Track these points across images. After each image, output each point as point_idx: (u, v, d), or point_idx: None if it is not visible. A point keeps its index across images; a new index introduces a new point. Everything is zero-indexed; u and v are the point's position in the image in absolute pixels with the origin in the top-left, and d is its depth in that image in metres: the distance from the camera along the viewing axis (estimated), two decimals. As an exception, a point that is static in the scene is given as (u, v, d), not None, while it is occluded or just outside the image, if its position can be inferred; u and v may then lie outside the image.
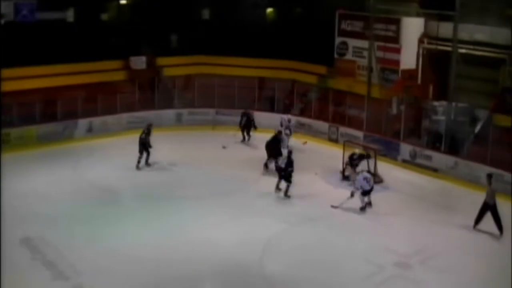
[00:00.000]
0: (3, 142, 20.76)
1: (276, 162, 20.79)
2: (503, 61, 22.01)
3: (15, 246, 14.44)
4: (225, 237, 15.49)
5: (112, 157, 22.21)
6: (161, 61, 28.75)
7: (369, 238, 15.83)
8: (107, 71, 26.88)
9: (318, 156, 22.64)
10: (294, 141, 23.09)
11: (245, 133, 24.34)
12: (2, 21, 23.78)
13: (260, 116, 24.80)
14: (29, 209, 16.90)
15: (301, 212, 17.50)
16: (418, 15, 25.12)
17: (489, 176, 16.89)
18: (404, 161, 22.21)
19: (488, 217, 16.34)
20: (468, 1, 21.96)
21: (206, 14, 31.47)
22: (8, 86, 20.24)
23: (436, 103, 22.73)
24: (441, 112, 22.19)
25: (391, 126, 23.33)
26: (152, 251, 14.63)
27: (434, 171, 21.21)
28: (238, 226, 16.28)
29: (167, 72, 28.39)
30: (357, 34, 26.19)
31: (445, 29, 23.01)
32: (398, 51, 24.61)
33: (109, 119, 25.01)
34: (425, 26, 24.74)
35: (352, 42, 26.45)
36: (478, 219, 16.44)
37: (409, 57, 24.64)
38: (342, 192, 18.67)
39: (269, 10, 33.06)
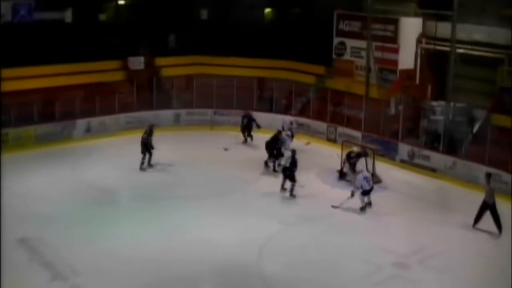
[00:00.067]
0: (1, 142, 20.76)
1: (275, 162, 20.89)
2: (501, 61, 22.04)
3: (13, 247, 14.42)
4: (225, 237, 15.49)
5: (110, 157, 22.21)
6: (159, 61, 28.74)
7: (367, 238, 15.84)
8: (105, 71, 26.87)
9: (317, 156, 22.63)
10: (295, 142, 22.99)
11: (246, 134, 24.25)
12: (1, 21, 23.78)
13: (258, 117, 24.75)
14: (27, 209, 16.89)
15: (300, 212, 17.51)
16: (416, 15, 25.15)
17: (488, 175, 16.94)
18: (402, 161, 22.23)
19: (487, 216, 16.36)
20: (466, 1, 21.98)
21: (204, 14, 31.47)
22: (6, 86, 20.19)
23: (434, 103, 22.76)
24: (439, 112, 22.22)
25: (389, 126, 23.35)
26: (151, 251, 14.63)
27: (432, 171, 21.23)
28: (238, 226, 16.28)
29: (165, 72, 28.39)
30: (355, 34, 26.19)
31: (443, 29, 23.03)
32: (396, 51, 24.62)
33: (107, 119, 25.01)
34: (423, 26, 24.76)
35: (350, 42, 26.45)
36: (477, 218, 16.47)
37: (407, 57, 24.66)
38: (341, 192, 18.71)
39: (267, 10, 33.06)
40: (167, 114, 26.42)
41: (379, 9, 24.64)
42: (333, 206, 17.60)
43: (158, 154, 20.99)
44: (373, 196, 17.77)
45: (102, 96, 24.75)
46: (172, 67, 28.85)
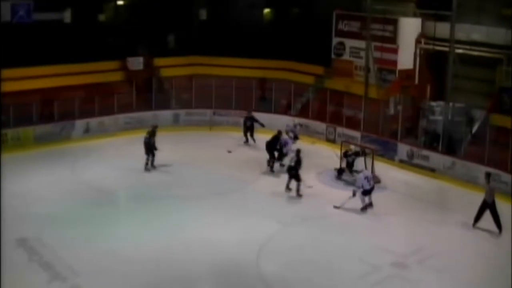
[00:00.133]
0: (0, 143, 20.77)
1: (273, 162, 20.89)
2: (500, 61, 22.07)
3: (13, 247, 14.42)
4: (224, 237, 15.50)
5: (109, 158, 22.21)
6: (158, 61, 28.74)
7: (366, 238, 15.84)
8: (104, 71, 26.86)
9: (316, 156, 22.62)
10: (300, 143, 22.84)
11: (250, 136, 24.14)
12: (0, 22, 23.76)
13: (259, 117, 24.64)
14: (26, 209, 16.88)
15: (299, 212, 17.52)
16: (415, 15, 25.18)
17: (488, 175, 16.99)
18: (401, 161, 22.23)
19: (487, 215, 16.38)
20: (465, 1, 22.02)
21: (203, 14, 31.44)
22: (5, 87, 20.18)
23: (433, 103, 22.77)
24: (438, 112, 22.23)
25: (389, 126, 23.35)
26: (151, 251, 14.63)
27: (431, 171, 21.24)
28: (237, 226, 16.29)
29: (164, 72, 28.38)
30: (354, 35, 26.21)
31: (442, 29, 23.06)
32: (395, 51, 24.64)
33: (106, 119, 25.01)
34: (422, 26, 24.78)
35: (349, 43, 26.47)
36: (477, 218, 16.50)
37: (406, 57, 24.67)
38: (340, 192, 18.76)
39: (266, 10, 33.06)
40: (166, 114, 26.42)
41: (378, 9, 24.68)
42: (335, 207, 17.60)
43: (158, 154, 20.97)
44: (372, 196, 17.76)
45: (101, 97, 24.76)
46: (171, 67, 28.85)
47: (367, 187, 17.39)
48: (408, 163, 21.95)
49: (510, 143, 19.20)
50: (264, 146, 21.47)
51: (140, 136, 23.39)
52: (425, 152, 21.65)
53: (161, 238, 15.44)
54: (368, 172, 18.22)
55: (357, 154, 20.40)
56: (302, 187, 18.63)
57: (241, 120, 25.72)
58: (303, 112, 26.31)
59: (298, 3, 31.47)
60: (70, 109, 24.03)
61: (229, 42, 28.76)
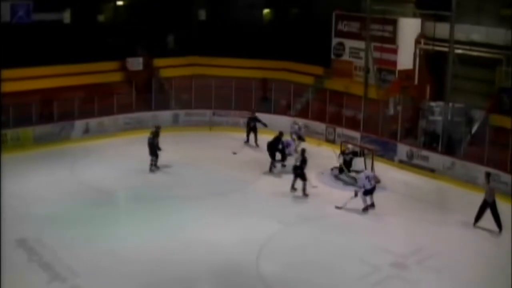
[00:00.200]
0: (0, 143, 20.77)
1: (273, 163, 20.88)
2: (499, 61, 22.10)
3: (13, 247, 14.42)
4: (225, 237, 15.50)
5: (109, 158, 22.20)
6: (158, 62, 28.73)
7: (366, 238, 15.85)
8: (103, 72, 26.85)
9: (316, 156, 22.60)
10: (305, 144, 22.77)
11: (250, 137, 24.01)
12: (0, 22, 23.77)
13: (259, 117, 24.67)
14: (26, 210, 16.87)
15: (300, 212, 17.53)
16: (414, 15, 25.19)
17: (488, 174, 17.05)
18: (401, 161, 22.24)
19: (487, 215, 16.41)
20: (464, 1, 22.03)
21: (202, 15, 31.44)
22: (5, 87, 20.19)
23: (432, 104, 22.78)
24: (438, 113, 22.24)
25: (388, 126, 23.36)
26: (151, 252, 14.63)
27: (431, 171, 21.24)
28: (238, 226, 16.29)
29: (164, 73, 28.37)
30: (354, 35, 26.23)
31: (442, 29, 23.06)
32: (394, 51, 24.65)
33: (106, 120, 25.00)
34: (422, 27, 24.80)
35: (349, 43, 26.48)
36: (478, 217, 16.55)
37: (405, 57, 24.68)
38: (340, 192, 18.79)
39: (266, 11, 33.07)
40: (165, 115, 26.41)
41: (378, 10, 24.69)
42: (337, 207, 17.59)
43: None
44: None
45: (100, 97, 24.74)
46: (171, 67, 28.84)
47: (368, 186, 17.37)
48: (407, 164, 21.95)
49: (510, 144, 19.21)
50: (265, 146, 21.47)
51: (139, 137, 23.46)
52: (425, 153, 21.66)
53: (161, 238, 15.43)
54: (369, 172, 18.22)
55: (354, 153, 20.41)
56: (308, 187, 18.64)
57: (241, 121, 25.80)
58: (302, 113, 26.29)
59: (298, 3, 31.47)
60: (69, 110, 24.01)
61: (228, 42, 28.75)
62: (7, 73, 21.36)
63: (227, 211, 17.40)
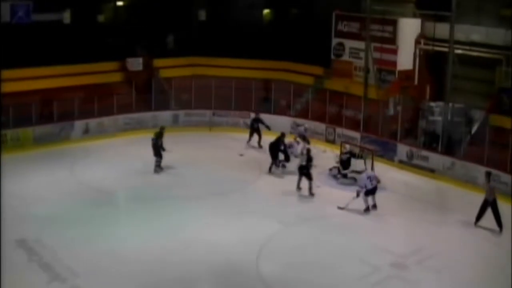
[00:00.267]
0: (0, 143, 20.78)
1: (273, 164, 20.87)
2: (499, 61, 22.10)
3: (13, 247, 14.41)
4: (224, 237, 15.50)
5: (109, 158, 22.20)
6: (158, 62, 28.72)
7: (366, 239, 15.85)
8: (103, 72, 26.85)
9: (316, 157, 22.57)
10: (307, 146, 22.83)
11: (252, 138, 23.86)
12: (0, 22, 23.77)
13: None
14: (26, 210, 16.87)
15: (300, 212, 17.53)
16: (414, 16, 25.19)
17: (488, 174, 17.07)
18: (401, 161, 22.23)
19: (488, 215, 16.45)
20: (464, 1, 22.03)
21: (202, 15, 31.43)
22: (5, 88, 20.20)
23: (432, 104, 22.78)
24: (438, 113, 22.24)
25: (388, 126, 23.35)
26: (150, 252, 14.62)
27: (431, 171, 21.24)
28: (238, 226, 16.30)
29: (164, 73, 28.36)
30: (354, 35, 26.22)
31: (442, 29, 23.06)
32: (394, 52, 24.65)
33: (106, 120, 24.99)
34: (422, 27, 24.80)
35: (349, 43, 26.47)
36: (479, 216, 16.60)
37: (405, 58, 24.68)
38: (340, 192, 18.80)
39: (266, 11, 33.06)
40: (165, 115, 26.40)
41: (378, 10, 24.69)
42: (339, 207, 17.57)
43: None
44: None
45: (100, 97, 24.73)
46: (171, 68, 28.84)
47: (369, 186, 17.35)
48: (407, 164, 21.95)
49: (510, 144, 19.21)
50: (265, 147, 21.45)
51: (139, 137, 23.52)
52: (425, 153, 21.65)
53: (161, 238, 15.43)
54: (371, 172, 18.19)
55: (352, 154, 20.38)
56: (314, 186, 18.68)
57: (241, 121, 25.82)
58: (302, 113, 26.29)
59: (298, 3, 31.46)
60: (69, 110, 24.01)
61: (228, 42, 28.75)
62: (7, 73, 21.39)
63: (227, 211, 17.40)
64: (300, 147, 21.31)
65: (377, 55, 24.81)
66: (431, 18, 24.07)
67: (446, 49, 22.20)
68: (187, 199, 18.23)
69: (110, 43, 27.89)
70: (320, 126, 25.10)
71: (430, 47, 24.17)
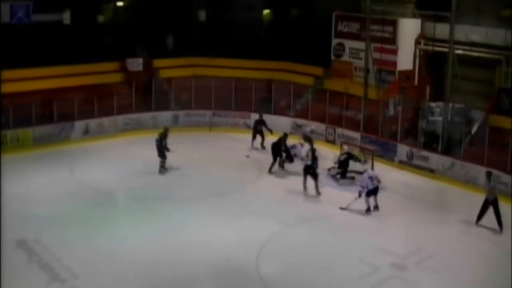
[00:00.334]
0: (0, 144, 20.78)
1: (273, 164, 20.87)
2: (499, 61, 22.11)
3: (12, 248, 14.40)
4: (224, 237, 15.49)
5: (108, 159, 22.20)
6: (158, 62, 28.72)
7: (366, 239, 15.84)
8: (103, 73, 26.86)
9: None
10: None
11: (255, 140, 23.77)
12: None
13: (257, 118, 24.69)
14: (26, 211, 16.86)
15: (299, 213, 17.50)
16: (414, 16, 25.21)
17: (489, 173, 17.10)
18: (401, 162, 22.23)
19: (488, 215, 16.48)
20: (464, 2, 22.04)
21: (202, 15, 31.44)
22: (5, 88, 20.17)
23: (432, 104, 22.80)
24: (438, 113, 22.25)
25: (388, 127, 23.35)
26: (150, 252, 14.61)
27: (430, 172, 21.24)
28: (237, 226, 16.29)
29: (164, 73, 28.37)
30: (354, 36, 26.24)
31: (441, 30, 23.06)
32: (394, 52, 24.66)
33: (106, 120, 25.00)
34: (422, 27, 24.81)
35: (349, 44, 26.49)
36: (480, 215, 16.65)
37: (405, 58, 24.69)
38: (340, 193, 18.80)
39: (266, 11, 33.06)
40: (165, 115, 26.40)
41: (378, 10, 24.69)
42: (341, 208, 17.56)
43: (157, 155, 20.92)
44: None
45: (100, 98, 24.77)
46: (171, 68, 28.85)
47: (370, 186, 17.33)
48: (407, 164, 21.95)
49: (510, 144, 19.21)
50: (268, 148, 21.51)
51: (139, 137, 23.54)
52: (425, 153, 21.65)
53: (161, 238, 15.43)
54: (372, 172, 18.15)
55: (350, 154, 20.35)
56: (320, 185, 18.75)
57: (241, 121, 25.83)
58: (302, 113, 26.28)
59: (298, 4, 31.48)
60: (69, 110, 24.01)
61: (228, 43, 28.74)
62: (7, 74, 21.38)
63: (227, 211, 17.40)
64: (304, 149, 21.04)
65: (377, 55, 24.79)
66: (431, 18, 24.08)
67: (446, 50, 22.19)
68: (187, 199, 18.24)
69: (110, 44, 27.92)
70: (320, 127, 25.08)
71: (430, 48, 24.17)
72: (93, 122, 24.64)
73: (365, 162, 20.06)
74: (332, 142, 24.28)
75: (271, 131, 23.54)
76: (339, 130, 24.37)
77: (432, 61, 24.35)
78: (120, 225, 16.36)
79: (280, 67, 28.91)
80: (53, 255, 14.31)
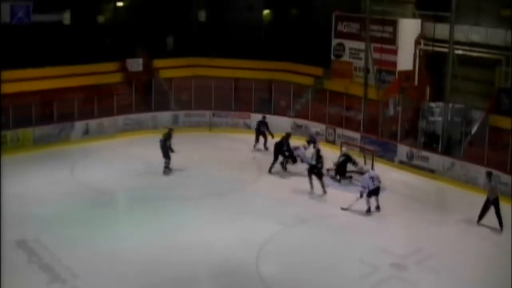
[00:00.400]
0: (0, 144, 20.79)
1: (273, 164, 20.86)
2: (499, 62, 22.12)
3: (12, 248, 14.40)
4: (224, 237, 15.49)
5: (108, 159, 22.21)
6: (158, 63, 28.73)
7: (366, 239, 15.84)
8: (103, 73, 26.87)
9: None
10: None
11: (264, 140, 23.65)
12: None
13: (258, 118, 24.63)
14: (26, 211, 16.86)
15: (299, 213, 17.48)
16: (414, 16, 25.22)
17: (489, 173, 17.14)
18: (401, 162, 22.24)
19: (489, 214, 16.52)
20: (464, 2, 22.04)
21: (202, 16, 31.46)
22: (5, 88, 20.21)
23: (432, 104, 22.81)
24: (438, 113, 22.25)
25: (388, 127, 23.36)
26: (150, 252, 14.61)
27: (431, 172, 21.24)
28: (237, 226, 16.29)
29: (164, 74, 28.38)
30: (354, 36, 26.25)
31: (441, 30, 23.07)
32: (394, 52, 24.67)
33: (106, 121, 25.01)
34: (422, 28, 24.82)
35: (349, 44, 26.50)
36: (481, 215, 16.69)
37: (405, 58, 24.70)
38: (340, 193, 18.79)
39: (266, 11, 33.08)
40: (165, 115, 26.42)
41: (378, 11, 24.70)
42: (342, 208, 17.55)
43: (156, 155, 20.92)
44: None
45: (100, 98, 24.80)
46: (171, 68, 28.86)
47: (371, 187, 17.31)
48: (407, 164, 21.95)
49: (510, 144, 19.21)
50: (271, 149, 21.54)
51: (139, 138, 23.54)
52: (425, 153, 21.66)
53: (161, 238, 15.42)
54: (373, 172, 18.13)
55: (347, 156, 20.31)
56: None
57: (241, 121, 25.84)
58: (302, 113, 26.29)
59: (298, 4, 31.48)
60: (69, 111, 24.01)
61: (228, 43, 28.74)
62: (7, 74, 21.42)
63: (227, 211, 17.40)
64: (308, 151, 20.76)
65: (377, 55, 24.80)
66: (431, 18, 24.09)
67: (446, 50, 22.19)
68: (187, 199, 18.24)
69: (110, 44, 27.93)
70: (320, 127, 25.05)
71: (430, 48, 24.17)
72: (93, 122, 24.65)
73: (361, 168, 19.97)
74: (332, 142, 24.28)
75: (272, 136, 23.41)
76: (339, 130, 24.39)
77: (432, 61, 24.36)
78: (120, 225, 16.37)
79: (280, 67, 28.92)
80: (53, 255, 14.31)
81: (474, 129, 21.93)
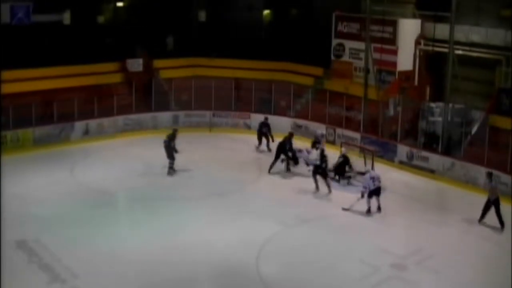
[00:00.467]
0: (0, 144, 20.78)
1: (273, 164, 20.86)
2: (499, 62, 22.11)
3: (12, 248, 14.40)
4: (224, 237, 15.49)
5: (108, 159, 22.20)
6: (158, 63, 28.72)
7: (366, 239, 15.84)
8: (103, 73, 26.86)
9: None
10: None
11: (267, 142, 23.49)
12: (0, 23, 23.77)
13: (258, 118, 24.64)
14: (26, 211, 16.86)
15: (299, 213, 17.48)
16: (414, 16, 25.21)
17: (489, 174, 17.18)
18: (401, 162, 22.23)
19: (489, 214, 16.56)
20: (464, 2, 22.04)
21: (202, 16, 31.45)
22: (5, 89, 20.17)
23: (432, 104, 22.79)
24: (438, 113, 22.24)
25: (388, 127, 23.36)
26: (150, 252, 14.61)
27: (431, 172, 21.24)
28: (237, 227, 16.29)
29: (164, 74, 28.37)
30: (354, 36, 26.24)
31: (441, 30, 23.08)
32: (394, 52, 24.66)
33: (106, 121, 24.99)
34: (422, 28, 24.82)
35: (349, 44, 26.49)
36: (482, 215, 16.71)
37: (405, 58, 24.70)
38: (340, 193, 18.79)
39: (266, 12, 33.08)
40: (165, 116, 26.41)
41: (378, 11, 24.69)
42: (343, 209, 17.54)
43: (156, 155, 20.95)
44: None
45: (100, 98, 24.78)
46: (171, 69, 28.85)
47: (372, 187, 17.30)
48: (407, 164, 21.95)
49: (510, 144, 19.21)
50: (274, 149, 21.50)
51: (139, 138, 23.53)
52: (425, 153, 21.65)
53: (161, 238, 15.42)
54: (374, 172, 18.09)
55: (346, 158, 20.28)
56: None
57: (241, 122, 25.83)
58: (302, 114, 26.28)
59: (298, 4, 31.48)
60: (69, 111, 24.00)
61: (228, 43, 28.73)
62: (7, 74, 21.39)
63: (227, 211, 17.40)
64: (311, 155, 20.61)
65: (377, 55, 24.79)
66: (431, 18, 24.09)
67: (446, 50, 22.19)
68: (187, 199, 18.24)
69: (110, 44, 27.91)
70: (320, 127, 25.07)
71: (430, 48, 24.18)
72: (93, 123, 24.64)
73: (356, 174, 19.94)
74: (332, 142, 24.26)
75: (272, 139, 23.28)
76: (339, 131, 24.38)
77: (432, 62, 24.36)
78: (120, 225, 16.38)
79: (280, 67, 28.92)
80: (53, 255, 14.32)
81: (474, 129, 21.93)
